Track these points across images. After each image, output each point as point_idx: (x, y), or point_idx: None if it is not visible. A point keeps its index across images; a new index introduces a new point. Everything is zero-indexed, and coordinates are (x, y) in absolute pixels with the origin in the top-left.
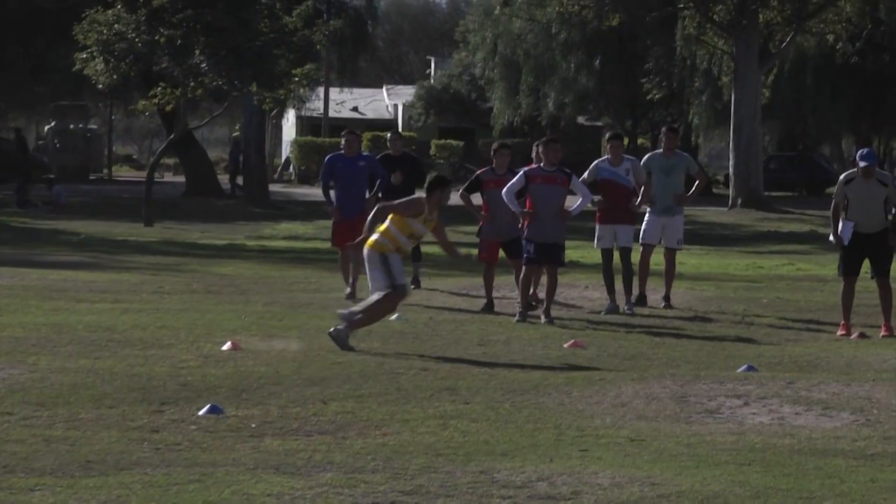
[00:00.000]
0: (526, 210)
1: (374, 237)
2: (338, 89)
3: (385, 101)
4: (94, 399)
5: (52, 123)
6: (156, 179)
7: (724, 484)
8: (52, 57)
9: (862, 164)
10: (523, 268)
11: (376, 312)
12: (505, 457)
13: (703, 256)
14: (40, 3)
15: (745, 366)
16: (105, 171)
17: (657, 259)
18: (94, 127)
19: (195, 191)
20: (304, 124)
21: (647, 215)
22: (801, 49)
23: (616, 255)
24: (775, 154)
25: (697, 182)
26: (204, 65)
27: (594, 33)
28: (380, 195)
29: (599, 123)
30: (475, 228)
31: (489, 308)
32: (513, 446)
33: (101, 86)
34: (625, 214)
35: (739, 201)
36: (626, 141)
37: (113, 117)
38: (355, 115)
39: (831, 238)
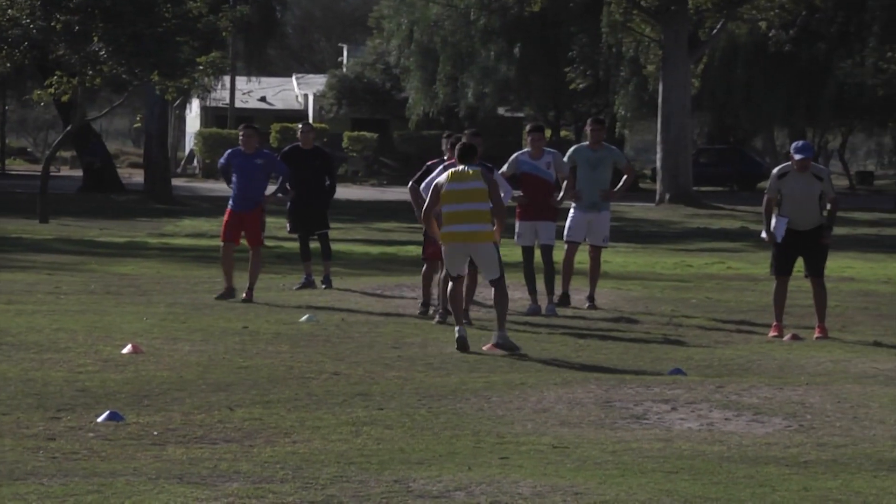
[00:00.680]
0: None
1: (489, 228)
2: (245, 78)
3: (295, 91)
4: None
5: None
6: (51, 173)
7: (650, 493)
8: None
9: (797, 157)
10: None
11: (505, 304)
12: (421, 465)
13: (629, 255)
14: None
15: (673, 369)
16: None
17: (581, 257)
18: None
19: (93, 186)
20: (209, 115)
21: (571, 211)
22: (732, 37)
23: (537, 252)
24: (705, 147)
25: (626, 177)
26: (102, 52)
27: (515, 20)
28: (281, 193)
29: (521, 114)
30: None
31: (426, 311)
32: (429, 454)
33: None
34: (546, 210)
35: (667, 197)
36: (548, 133)
37: (6, 108)
38: (263, 105)
39: (763, 235)
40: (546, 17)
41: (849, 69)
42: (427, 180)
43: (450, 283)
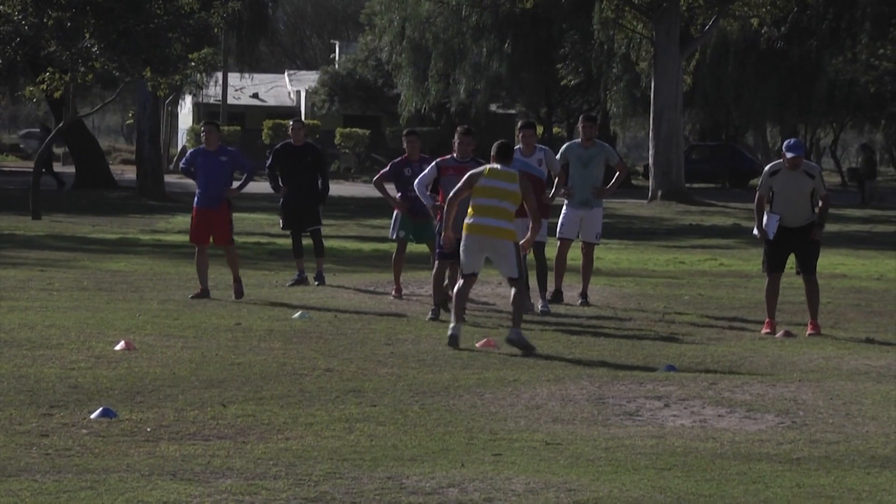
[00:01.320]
0: (438, 203)
1: (513, 227)
2: (237, 75)
3: (287, 88)
4: None
5: None
6: (44, 170)
7: (643, 490)
8: None
9: (789, 154)
10: (436, 263)
11: (522, 304)
12: (414, 462)
13: (621, 251)
14: None
15: (666, 366)
16: None
17: (574, 254)
18: None
19: (85, 182)
20: (202, 112)
21: (564, 208)
22: (723, 33)
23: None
24: (697, 144)
25: (618, 174)
26: (94, 49)
27: (507, 16)
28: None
29: (512, 111)
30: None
31: (438, 312)
32: (422, 451)
33: None
34: (538, 207)
35: (660, 193)
36: (540, 130)
37: None
38: (255, 102)
39: (755, 232)
40: (538, 14)
41: (840, 66)
42: (421, 177)
43: (459, 281)
